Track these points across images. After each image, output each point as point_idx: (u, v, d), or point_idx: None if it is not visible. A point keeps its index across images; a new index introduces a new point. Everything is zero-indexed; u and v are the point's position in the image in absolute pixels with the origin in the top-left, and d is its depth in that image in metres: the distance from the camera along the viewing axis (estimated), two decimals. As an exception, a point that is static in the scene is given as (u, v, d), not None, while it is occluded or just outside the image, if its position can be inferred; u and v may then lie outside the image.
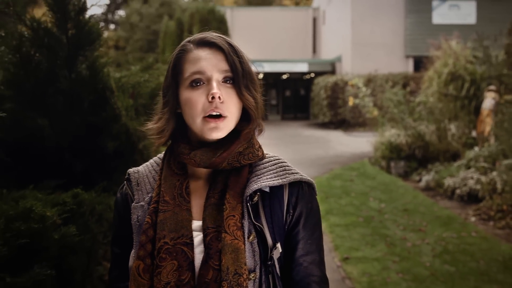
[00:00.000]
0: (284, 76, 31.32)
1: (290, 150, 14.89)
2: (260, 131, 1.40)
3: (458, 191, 8.43)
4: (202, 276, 1.23)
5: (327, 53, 30.16)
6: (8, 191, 1.89)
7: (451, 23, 23.80)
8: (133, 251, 1.31)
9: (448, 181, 8.78)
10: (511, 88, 11.13)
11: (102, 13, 58.15)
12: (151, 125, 1.36)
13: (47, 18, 2.11)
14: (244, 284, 1.23)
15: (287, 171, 1.36)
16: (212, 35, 1.34)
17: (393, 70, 23.29)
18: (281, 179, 1.33)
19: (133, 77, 2.77)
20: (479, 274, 5.00)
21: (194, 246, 1.27)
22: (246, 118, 1.34)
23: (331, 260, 5.41)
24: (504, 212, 7.26)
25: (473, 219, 7.32)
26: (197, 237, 1.29)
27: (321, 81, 24.65)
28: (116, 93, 2.33)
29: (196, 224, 1.30)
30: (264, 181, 1.32)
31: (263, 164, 1.38)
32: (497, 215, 7.27)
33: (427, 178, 9.63)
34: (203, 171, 1.35)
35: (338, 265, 5.32)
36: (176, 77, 1.33)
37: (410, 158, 10.99)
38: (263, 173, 1.35)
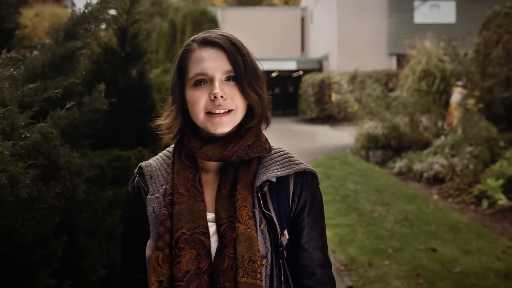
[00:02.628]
0: (274, 74, 32.42)
1: (279, 143, 15.73)
2: (267, 125, 1.46)
3: (425, 175, 9.62)
4: (218, 264, 1.29)
5: (315, 51, 31.31)
6: (91, 151, 3.02)
7: (432, 22, 25.06)
8: (149, 241, 1.36)
9: (417, 166, 9.97)
10: (476, 83, 12.35)
11: (93, 13, 58.94)
12: (161, 121, 1.43)
13: (113, 40, 3.23)
14: (259, 270, 1.29)
15: (292, 162, 1.42)
16: (215, 34, 1.38)
17: (377, 67, 24.49)
18: (287, 169, 1.40)
19: (159, 78, 3.89)
20: (429, 234, 6.19)
21: (210, 235, 1.33)
22: (251, 114, 1.39)
23: (310, 227, 6.57)
24: (461, 190, 8.46)
25: (435, 197, 8.49)
26: (211, 227, 1.35)
27: (308, 78, 25.82)
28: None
29: (210, 215, 1.37)
30: (272, 172, 1.38)
31: (270, 156, 1.44)
32: (455, 193, 8.46)
33: (399, 164, 10.82)
34: (213, 164, 1.41)
35: (316, 230, 6.48)
36: (182, 76, 1.39)
37: (386, 148, 12.16)
38: (270, 165, 1.41)
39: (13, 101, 1.61)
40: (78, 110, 2.15)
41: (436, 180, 9.42)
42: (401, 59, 16.94)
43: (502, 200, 7.33)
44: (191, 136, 1.39)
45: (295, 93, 31.79)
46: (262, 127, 1.44)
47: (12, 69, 1.72)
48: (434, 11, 25.80)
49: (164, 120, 1.42)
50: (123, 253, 1.47)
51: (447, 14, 25.81)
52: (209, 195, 1.39)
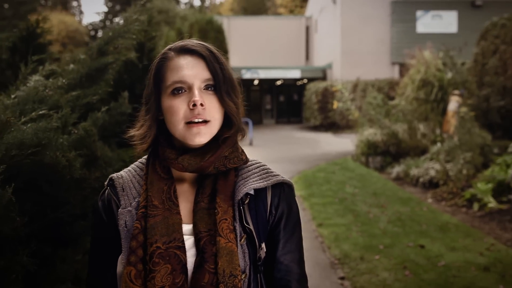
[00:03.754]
0: (278, 82, 32.93)
1: (282, 150, 16.53)
2: (242, 135, 1.43)
3: (421, 179, 10.05)
4: (197, 280, 1.26)
5: (319, 60, 31.83)
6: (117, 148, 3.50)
7: (434, 32, 25.57)
8: (120, 257, 1.32)
9: (414, 171, 10.40)
10: (473, 92, 12.80)
11: (100, 21, 59.79)
12: (134, 132, 1.39)
13: (132, 54, 3.71)
14: (239, 285, 1.27)
15: (270, 174, 1.42)
16: (192, 42, 1.37)
17: (380, 76, 24.96)
18: (266, 181, 1.39)
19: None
20: (419, 233, 6.62)
21: (186, 249, 1.30)
22: (228, 124, 1.37)
23: (309, 226, 7.02)
24: (454, 194, 8.89)
25: (430, 200, 8.92)
26: (188, 240, 1.32)
27: (312, 86, 26.31)
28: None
29: (185, 228, 1.34)
30: (251, 184, 1.37)
31: (247, 167, 1.43)
32: (448, 196, 8.89)
33: (397, 169, 11.26)
34: (188, 175, 1.39)
35: (314, 229, 6.92)
36: (158, 85, 1.35)
37: (385, 154, 12.60)
38: (249, 176, 1.40)
39: (67, 105, 2.08)
40: (107, 113, 2.61)
41: (431, 184, 9.84)
42: (403, 68, 17.41)
43: (492, 203, 7.76)
44: (166, 147, 1.36)
45: (299, 101, 32.27)
46: (238, 138, 1.42)
47: (63, 80, 2.19)
48: (436, 21, 26.27)
49: (137, 131, 1.38)
50: (90, 269, 1.42)
51: (448, 24, 26.27)
52: (185, 207, 1.36)
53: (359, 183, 10.37)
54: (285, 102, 33.61)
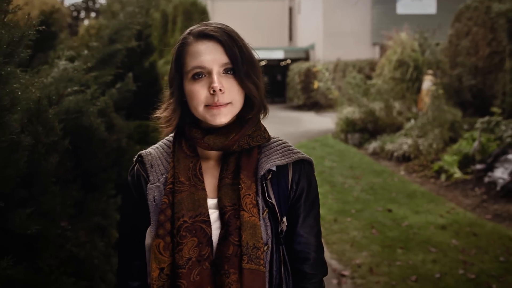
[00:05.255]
0: (262, 63, 33.32)
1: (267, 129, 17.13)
2: (265, 114, 1.48)
3: (395, 154, 10.74)
4: (222, 251, 1.34)
5: (302, 41, 32.36)
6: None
7: (413, 13, 26.20)
8: (149, 229, 1.39)
9: (389, 146, 11.10)
10: (445, 72, 13.49)
11: (83, 1, 59.40)
12: (159, 114, 1.45)
13: (133, 43, 4.29)
14: (262, 256, 1.34)
15: (291, 151, 1.47)
16: (211, 26, 1.39)
17: (361, 56, 25.57)
18: (287, 158, 1.44)
19: (163, 67, 4.95)
20: (388, 199, 7.32)
21: (211, 223, 1.37)
22: (250, 104, 1.40)
23: (289, 195, 7.68)
24: (424, 166, 9.60)
25: (402, 172, 9.63)
26: (213, 214, 1.39)
27: (295, 67, 26.91)
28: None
29: (211, 202, 1.40)
30: (273, 161, 1.42)
31: (269, 145, 1.48)
32: (419, 169, 9.60)
33: (374, 145, 11.95)
34: (213, 153, 1.44)
35: (293, 197, 7.59)
36: (180, 70, 1.39)
37: (363, 131, 13.29)
38: (271, 153, 1.45)
39: (92, 82, 2.67)
40: (116, 90, 3.20)
41: (404, 158, 10.54)
42: (383, 49, 18.05)
43: (457, 174, 8.48)
44: (192, 127, 1.41)
45: (282, 82, 32.82)
46: (261, 117, 1.47)
47: (88, 64, 2.78)
48: (416, 2, 26.89)
49: (162, 113, 1.44)
50: (121, 240, 1.52)
51: (428, 5, 26.90)
52: (210, 183, 1.43)
53: (338, 158, 11.05)
54: (269, 83, 32.98)
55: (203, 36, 1.36)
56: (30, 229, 1.63)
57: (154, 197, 1.39)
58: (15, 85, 1.55)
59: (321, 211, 7.05)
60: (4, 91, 1.50)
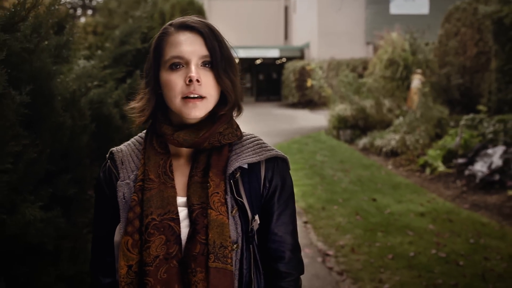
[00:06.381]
0: (258, 61, 33.85)
1: (261, 125, 17.63)
2: (239, 112, 1.48)
3: (384, 149, 11.23)
4: (189, 249, 1.34)
5: (297, 39, 32.83)
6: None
7: (406, 13, 26.72)
8: (118, 226, 1.41)
9: (378, 142, 11.59)
10: (434, 71, 13.99)
11: (80, -1, 59.77)
12: (133, 104, 1.45)
13: (139, 44, 4.76)
14: (229, 255, 1.35)
15: (263, 148, 1.47)
16: (193, 19, 1.39)
17: (355, 55, 26.07)
18: (259, 156, 1.44)
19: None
20: (374, 190, 7.81)
21: (180, 221, 1.38)
22: (224, 101, 1.41)
23: (281, 186, 8.16)
24: (411, 161, 10.10)
25: (390, 166, 10.12)
26: (182, 212, 1.40)
27: (290, 65, 27.40)
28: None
29: (180, 200, 1.41)
30: (244, 159, 1.42)
31: (241, 142, 1.48)
32: (406, 163, 10.10)
33: (364, 141, 12.45)
34: (184, 150, 1.44)
35: (285, 188, 8.07)
36: (157, 59, 1.39)
37: (354, 127, 13.77)
38: (242, 151, 1.45)
39: (110, 78, 3.14)
40: (127, 85, 3.67)
41: (392, 153, 11.03)
42: (376, 49, 18.53)
43: (440, 167, 8.98)
44: (163, 122, 1.40)
45: (278, 80, 33.25)
46: (234, 115, 1.47)
47: (105, 62, 3.24)
48: (409, 2, 27.40)
49: (137, 103, 1.43)
50: (94, 236, 1.52)
51: (420, 5, 27.41)
52: (180, 181, 1.43)
53: (329, 153, 11.55)
54: (264, 81, 34.56)
55: (185, 27, 1.38)
56: (69, 192, 2.10)
57: (123, 194, 1.40)
58: (58, 80, 2.00)
59: (311, 200, 7.62)
60: (52, 84, 1.96)
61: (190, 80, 1.32)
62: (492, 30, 11.51)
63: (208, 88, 1.35)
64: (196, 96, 1.33)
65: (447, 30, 14.74)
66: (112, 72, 3.33)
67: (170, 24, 1.40)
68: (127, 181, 1.41)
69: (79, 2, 57.77)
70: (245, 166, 1.42)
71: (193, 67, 1.33)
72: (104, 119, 2.83)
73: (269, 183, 1.44)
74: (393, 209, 6.65)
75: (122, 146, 1.50)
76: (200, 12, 27.58)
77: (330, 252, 5.10)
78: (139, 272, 1.35)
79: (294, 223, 1.50)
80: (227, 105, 1.40)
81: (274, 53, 30.64)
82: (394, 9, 27.28)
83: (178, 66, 1.35)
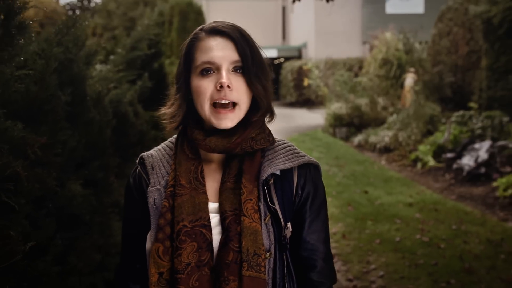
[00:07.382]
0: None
1: (259, 124, 18.05)
2: (272, 118, 1.44)
3: (378, 145, 11.68)
4: (222, 257, 1.30)
5: (295, 39, 33.27)
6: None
7: (402, 13, 27.15)
8: (149, 233, 1.37)
9: (372, 139, 12.04)
10: (427, 69, 14.43)
11: (78, 0, 60.03)
12: (164, 110, 1.43)
13: (146, 50, 5.19)
14: (263, 264, 1.30)
15: (296, 154, 1.43)
16: (223, 24, 1.37)
17: (352, 54, 26.48)
18: (291, 162, 1.40)
19: (169, 67, 5.84)
20: (367, 184, 8.25)
21: (212, 227, 1.34)
22: (256, 106, 1.37)
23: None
24: (403, 156, 10.54)
25: (383, 162, 10.56)
26: (214, 218, 1.36)
27: (288, 65, 27.85)
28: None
29: (212, 206, 1.37)
30: (277, 165, 1.38)
31: (273, 148, 1.43)
32: (398, 158, 10.55)
33: (359, 138, 12.89)
34: (215, 155, 1.40)
35: (283, 183, 8.51)
36: (188, 65, 1.37)
37: (350, 125, 14.22)
38: (274, 157, 1.41)
39: (123, 80, 3.58)
40: (139, 87, 4.10)
41: (386, 149, 11.48)
42: (372, 48, 18.98)
43: (431, 162, 9.43)
44: (195, 128, 1.38)
45: (276, 79, 33.65)
46: (266, 120, 1.43)
47: (120, 66, 3.68)
48: (404, 2, 27.83)
49: (168, 109, 1.42)
50: (123, 243, 1.49)
51: (416, 5, 27.84)
52: (211, 186, 1.39)
53: (325, 150, 11.99)
54: None
55: (216, 32, 1.35)
56: (98, 176, 2.54)
57: (154, 200, 1.38)
58: (87, 83, 2.44)
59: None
60: (85, 86, 2.40)
61: (221, 86, 1.30)
62: (482, 29, 11.93)
63: (239, 93, 1.33)
64: (226, 102, 1.32)
65: (440, 29, 15.16)
66: (125, 75, 3.76)
67: (201, 29, 1.39)
68: (158, 186, 1.39)
69: (78, 3, 57.83)
70: (278, 172, 1.39)
71: (224, 73, 1.31)
72: (121, 116, 3.26)
73: (302, 190, 1.41)
74: (383, 200, 7.09)
75: (152, 151, 1.48)
76: (199, 13, 28.01)
77: (323, 239, 5.53)
78: (170, 280, 1.33)
79: (327, 231, 1.46)
80: (259, 110, 1.38)
81: (272, 53, 31.07)
82: (390, 9, 27.71)
83: (209, 72, 1.33)
